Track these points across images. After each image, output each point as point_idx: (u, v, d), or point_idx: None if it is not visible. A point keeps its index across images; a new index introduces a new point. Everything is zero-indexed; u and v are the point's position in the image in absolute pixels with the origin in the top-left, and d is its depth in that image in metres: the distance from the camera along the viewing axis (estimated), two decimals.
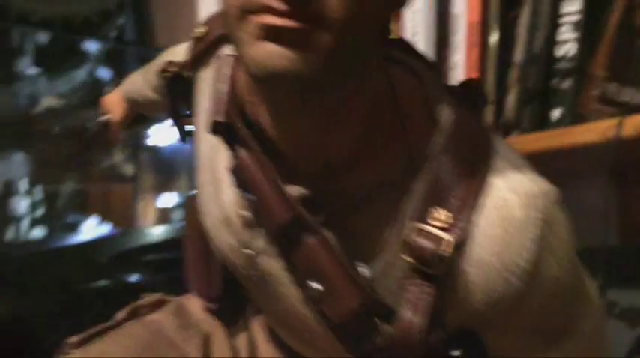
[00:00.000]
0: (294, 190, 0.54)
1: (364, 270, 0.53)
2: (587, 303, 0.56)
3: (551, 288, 0.51)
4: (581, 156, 1.11)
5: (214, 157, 0.63)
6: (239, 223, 0.61)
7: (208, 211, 0.67)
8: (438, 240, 0.49)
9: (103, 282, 2.09)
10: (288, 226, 0.53)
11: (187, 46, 0.74)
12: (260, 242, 0.59)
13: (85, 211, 4.30)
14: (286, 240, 0.54)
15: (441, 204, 0.51)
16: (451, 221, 0.50)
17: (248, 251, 0.61)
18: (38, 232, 3.12)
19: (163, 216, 5.05)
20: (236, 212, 0.61)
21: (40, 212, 3.21)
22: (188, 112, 0.78)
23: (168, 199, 5.11)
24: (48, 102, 4.44)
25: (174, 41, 0.87)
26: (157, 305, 0.83)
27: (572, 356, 0.56)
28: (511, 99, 1.11)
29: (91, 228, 3.57)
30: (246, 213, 0.59)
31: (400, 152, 0.55)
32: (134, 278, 2.16)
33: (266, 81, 0.48)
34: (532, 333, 0.54)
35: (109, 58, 2.64)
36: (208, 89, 0.66)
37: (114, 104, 1.09)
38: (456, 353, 0.54)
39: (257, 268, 0.61)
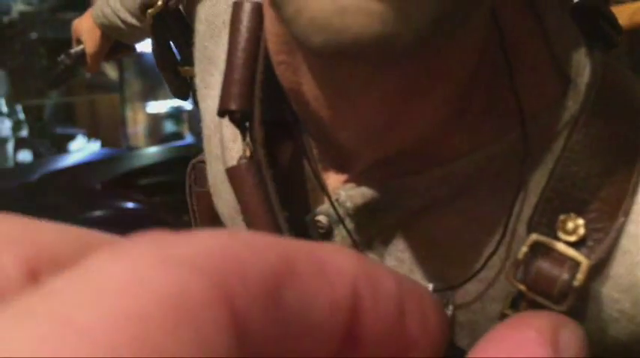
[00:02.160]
0: (354, 191, 0.40)
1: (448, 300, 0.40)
2: None
3: None
4: None
5: (222, 122, 0.48)
6: None
7: (219, 193, 0.52)
8: (572, 265, 0.35)
9: (98, 212, 1.99)
10: None
11: None
12: None
13: (72, 124, 4.15)
14: None
15: (578, 208, 0.36)
16: (588, 232, 0.36)
17: None
18: (25, 155, 2.98)
19: (153, 125, 4.93)
20: None
21: (23, 132, 3.06)
22: (181, 57, 0.61)
23: (157, 106, 4.97)
24: (19, 7, 4.17)
25: None
26: None
27: None
28: None
29: (80, 147, 3.42)
30: None
31: (510, 127, 0.38)
32: (130, 204, 2.07)
33: (335, 54, 0.31)
34: None
35: None
36: (212, 39, 0.50)
37: (87, 31, 0.89)
38: None
39: None
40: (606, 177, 0.36)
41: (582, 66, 0.38)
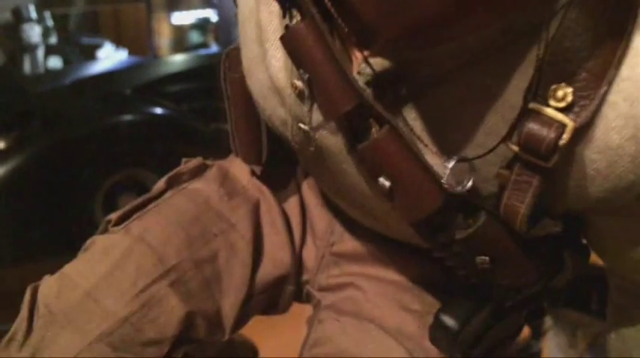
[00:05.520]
0: (375, 62, 0.45)
1: (447, 164, 0.45)
2: None
3: None
4: None
5: (258, 7, 0.52)
6: (292, 94, 0.51)
7: (253, 74, 0.56)
8: (559, 126, 0.39)
9: (128, 116, 2.06)
10: (351, 114, 0.44)
11: None
12: (318, 116, 0.51)
13: (97, 33, 4.15)
14: (349, 125, 0.46)
15: (568, 78, 0.40)
16: (576, 99, 0.40)
17: (303, 126, 0.53)
18: (55, 61, 3.02)
19: (179, 35, 4.91)
20: (288, 80, 0.51)
21: (53, 39, 3.08)
22: None
23: (183, 17, 4.92)
24: None
25: None
26: (198, 171, 0.73)
27: None
28: None
29: (108, 55, 3.45)
30: (300, 83, 0.50)
31: (510, 7, 0.42)
32: (159, 110, 2.13)
33: None
34: None
35: None
36: None
37: None
38: (555, 229, 0.47)
39: (314, 144, 0.53)
40: (594, 50, 0.40)
41: None
